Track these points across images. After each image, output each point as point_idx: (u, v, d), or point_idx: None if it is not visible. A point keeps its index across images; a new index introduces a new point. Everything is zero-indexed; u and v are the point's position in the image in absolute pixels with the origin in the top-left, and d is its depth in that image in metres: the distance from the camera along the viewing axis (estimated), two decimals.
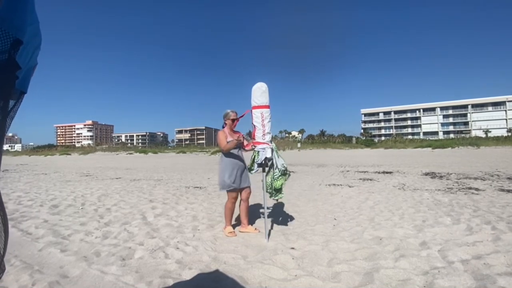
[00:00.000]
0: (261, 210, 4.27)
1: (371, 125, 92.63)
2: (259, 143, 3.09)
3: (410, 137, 67.34)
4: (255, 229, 3.40)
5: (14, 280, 2.18)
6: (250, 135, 3.36)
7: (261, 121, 3.07)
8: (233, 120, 3.33)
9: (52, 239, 3.17)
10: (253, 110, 3.11)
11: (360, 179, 8.28)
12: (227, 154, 3.27)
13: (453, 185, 6.53)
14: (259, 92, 3.08)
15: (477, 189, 5.88)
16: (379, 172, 9.97)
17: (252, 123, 3.15)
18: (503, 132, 60.11)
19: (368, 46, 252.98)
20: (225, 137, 3.26)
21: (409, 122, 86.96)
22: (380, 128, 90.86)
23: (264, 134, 3.08)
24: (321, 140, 59.15)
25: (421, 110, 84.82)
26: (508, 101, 72.12)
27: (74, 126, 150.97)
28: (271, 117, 3.12)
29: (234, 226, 3.44)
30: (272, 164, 3.18)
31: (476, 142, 32.84)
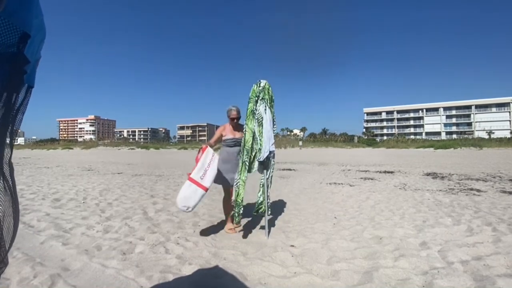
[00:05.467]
0: None
1: (373, 124, 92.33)
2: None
3: (412, 137, 67.10)
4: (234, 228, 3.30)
5: (16, 272, 2.21)
6: None
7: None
8: (232, 119, 3.30)
9: (54, 232, 3.20)
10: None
11: (361, 178, 8.27)
12: (223, 149, 3.33)
13: (455, 186, 6.50)
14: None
15: (478, 190, 5.86)
16: (380, 172, 9.95)
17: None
18: (507, 134, 59.83)
19: (371, 45, 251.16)
20: (220, 131, 3.36)
21: (411, 122, 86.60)
22: (382, 128, 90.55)
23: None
24: (323, 138, 59.11)
25: (424, 110, 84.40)
26: None
27: (77, 120, 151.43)
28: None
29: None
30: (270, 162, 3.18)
31: (479, 143, 32.73)
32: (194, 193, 2.81)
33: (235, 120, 3.31)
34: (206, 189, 2.90)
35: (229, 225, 3.31)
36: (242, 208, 2.96)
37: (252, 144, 2.98)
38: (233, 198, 3.06)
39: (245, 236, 3.15)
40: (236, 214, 2.95)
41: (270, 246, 2.81)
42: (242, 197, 2.95)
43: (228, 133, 3.35)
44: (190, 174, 2.91)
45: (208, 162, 2.99)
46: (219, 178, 3.19)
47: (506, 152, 24.90)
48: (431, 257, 2.47)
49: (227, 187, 3.28)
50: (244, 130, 3.05)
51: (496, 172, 9.31)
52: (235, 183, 3.02)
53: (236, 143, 3.31)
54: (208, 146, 3.10)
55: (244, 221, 3.65)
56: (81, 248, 2.75)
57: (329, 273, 2.24)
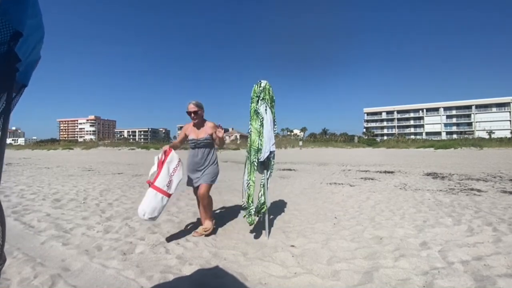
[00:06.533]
0: None
1: (373, 124, 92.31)
2: None
3: (412, 137, 66.99)
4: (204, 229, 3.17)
5: (17, 272, 2.21)
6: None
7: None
8: (188, 113, 3.11)
9: (54, 233, 3.20)
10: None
11: (362, 178, 8.27)
12: (189, 150, 3.24)
13: (455, 186, 6.50)
14: None
15: (479, 190, 5.85)
16: (380, 172, 9.94)
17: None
18: (507, 134, 59.73)
19: (371, 45, 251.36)
20: (183, 131, 3.25)
21: (411, 122, 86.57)
22: (382, 128, 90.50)
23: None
24: (323, 138, 59.10)
25: (424, 110, 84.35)
26: None
27: (77, 121, 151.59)
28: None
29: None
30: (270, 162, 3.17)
31: (479, 143, 32.61)
32: (160, 202, 2.66)
33: (192, 115, 3.08)
34: (170, 195, 2.75)
35: (201, 227, 3.19)
36: (253, 209, 2.95)
37: (258, 143, 2.97)
38: (244, 200, 3.04)
39: (245, 236, 3.15)
40: (247, 215, 2.93)
41: (270, 246, 2.81)
42: (252, 198, 2.95)
43: (190, 133, 3.18)
44: (153, 182, 2.70)
45: (173, 168, 2.80)
46: (188, 181, 3.22)
47: (507, 152, 24.85)
48: (431, 257, 2.47)
49: (193, 186, 3.24)
50: (249, 130, 3.04)
51: (496, 172, 9.30)
52: (246, 185, 2.97)
53: (196, 144, 3.13)
54: (173, 150, 2.92)
55: (243, 221, 3.65)
56: (82, 248, 2.75)
57: (330, 273, 2.24)
